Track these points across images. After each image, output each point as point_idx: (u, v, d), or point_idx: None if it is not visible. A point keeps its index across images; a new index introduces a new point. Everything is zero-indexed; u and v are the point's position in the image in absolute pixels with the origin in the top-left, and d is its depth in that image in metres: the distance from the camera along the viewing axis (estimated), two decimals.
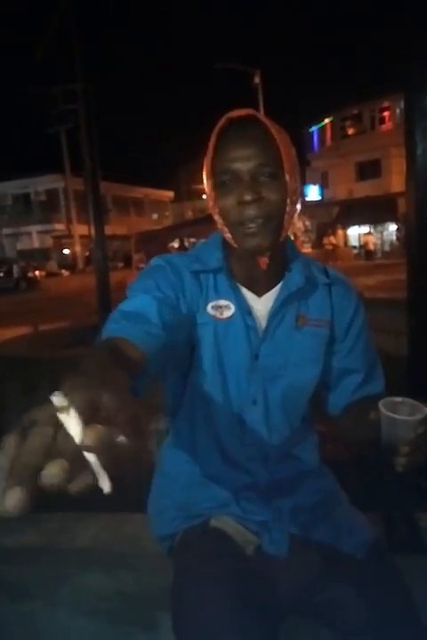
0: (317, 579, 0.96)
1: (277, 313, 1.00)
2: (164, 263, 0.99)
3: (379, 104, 29.04)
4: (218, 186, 0.94)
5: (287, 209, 0.93)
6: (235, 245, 0.96)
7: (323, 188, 32.35)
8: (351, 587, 0.93)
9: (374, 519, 1.07)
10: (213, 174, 0.94)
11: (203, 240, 1.11)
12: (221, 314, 0.97)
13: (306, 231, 32.87)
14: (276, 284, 1.02)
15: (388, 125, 28.87)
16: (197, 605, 0.89)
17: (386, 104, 28.66)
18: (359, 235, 31.23)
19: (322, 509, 1.05)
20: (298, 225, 36.15)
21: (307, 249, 27.10)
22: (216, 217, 0.96)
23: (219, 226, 0.97)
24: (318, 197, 32.51)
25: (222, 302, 0.98)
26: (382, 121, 29.50)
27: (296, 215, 1.00)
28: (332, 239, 28.56)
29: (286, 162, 0.91)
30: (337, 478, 1.18)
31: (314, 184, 32.67)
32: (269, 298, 1.01)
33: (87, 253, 28.21)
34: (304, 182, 33.95)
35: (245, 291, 1.00)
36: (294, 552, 0.99)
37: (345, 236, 29.51)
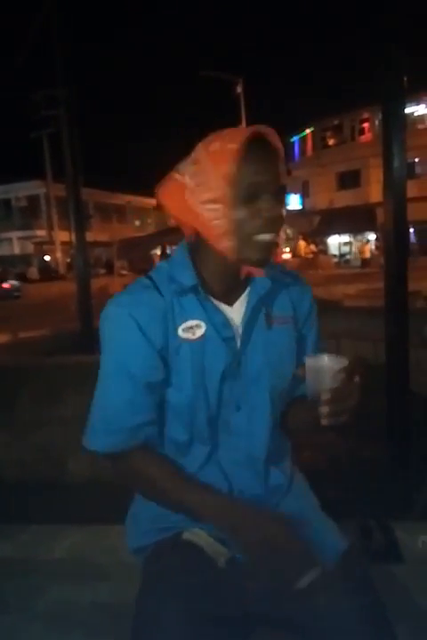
0: (286, 587, 0.95)
1: (251, 318, 1.02)
2: (131, 323, 0.96)
3: (359, 115, 29.52)
4: (241, 196, 0.92)
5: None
6: (233, 257, 0.96)
7: (304, 197, 32.67)
8: (321, 596, 0.92)
9: (349, 528, 1.06)
10: (235, 184, 0.92)
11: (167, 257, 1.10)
12: (194, 334, 0.98)
13: (287, 240, 33.15)
14: (244, 290, 1.04)
15: (367, 136, 29.35)
16: (157, 620, 0.88)
17: (366, 115, 29.14)
18: (339, 243, 31.59)
19: (295, 517, 1.03)
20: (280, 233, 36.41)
21: (287, 257, 27.32)
22: (218, 225, 0.94)
23: (214, 235, 0.95)
24: (299, 207, 32.82)
25: (192, 322, 0.98)
26: (362, 132, 29.98)
27: None
28: (312, 247, 28.85)
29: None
30: (313, 485, 1.19)
31: (295, 193, 32.98)
32: (241, 304, 1.03)
33: (68, 260, 27.94)
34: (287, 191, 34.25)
35: (217, 303, 1.01)
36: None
37: (308, 247, 29.81)
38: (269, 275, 1.03)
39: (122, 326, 0.97)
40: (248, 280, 1.04)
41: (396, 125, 2.29)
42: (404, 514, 1.91)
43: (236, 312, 1.02)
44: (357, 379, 0.90)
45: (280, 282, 1.07)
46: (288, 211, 33.80)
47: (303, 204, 32.77)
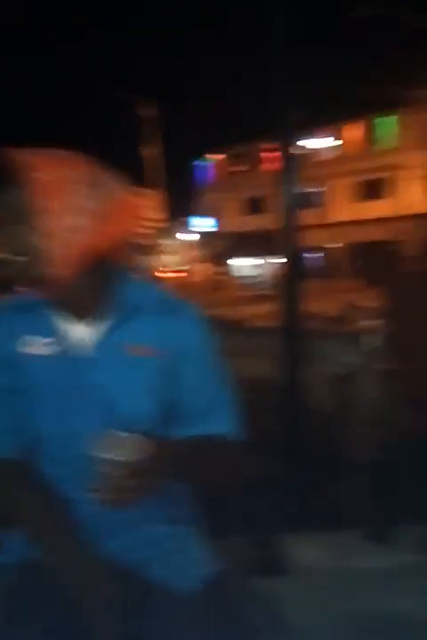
0: (142, 616, 0.90)
1: (101, 343, 0.97)
2: None
3: (263, 144, 30.75)
4: None
5: (56, 247, 0.88)
6: None
7: (215, 219, 33.35)
8: (177, 625, 0.87)
9: (235, 544, 1.06)
10: None
11: None
12: (38, 350, 0.96)
13: (193, 261, 33.68)
14: (104, 313, 0.98)
15: (270, 165, 30.59)
16: None
17: (268, 145, 30.40)
18: (249, 266, 32.60)
19: (162, 544, 0.99)
20: (192, 254, 36.90)
21: (198, 278, 27.79)
22: None
23: None
24: (212, 228, 33.46)
25: (37, 338, 0.97)
26: (266, 160, 31.22)
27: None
28: (221, 269, 29.57)
29: (43, 202, 0.87)
30: (208, 504, 1.16)
31: (206, 216, 33.63)
32: (96, 327, 0.97)
33: None
34: (195, 214, 34.80)
35: (65, 319, 0.98)
36: (122, 588, 0.91)
37: (216, 268, 30.81)
38: (127, 301, 0.98)
39: None
40: (111, 303, 0.98)
41: (288, 156, 2.43)
42: (294, 528, 1.97)
43: (87, 332, 0.97)
44: (132, 480, 0.83)
45: (151, 310, 0.99)
46: (199, 233, 34.35)
47: (216, 226, 33.51)
